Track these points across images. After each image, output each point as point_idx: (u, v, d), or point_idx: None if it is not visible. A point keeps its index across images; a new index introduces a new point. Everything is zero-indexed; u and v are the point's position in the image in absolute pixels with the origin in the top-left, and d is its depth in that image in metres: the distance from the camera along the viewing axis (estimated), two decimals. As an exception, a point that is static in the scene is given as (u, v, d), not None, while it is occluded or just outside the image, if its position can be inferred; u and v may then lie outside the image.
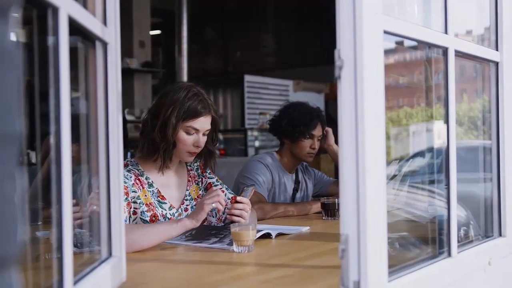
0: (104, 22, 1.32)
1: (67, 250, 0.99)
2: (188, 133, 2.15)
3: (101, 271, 1.24)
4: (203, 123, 2.17)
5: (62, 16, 0.98)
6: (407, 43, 1.52)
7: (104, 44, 1.31)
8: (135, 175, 2.13)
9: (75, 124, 1.06)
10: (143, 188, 2.14)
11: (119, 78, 1.37)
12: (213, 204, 1.95)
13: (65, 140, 0.99)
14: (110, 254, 1.34)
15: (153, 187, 2.18)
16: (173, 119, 2.11)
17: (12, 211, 0.54)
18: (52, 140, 0.99)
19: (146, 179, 2.18)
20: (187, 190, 2.30)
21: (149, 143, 2.16)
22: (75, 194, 1.05)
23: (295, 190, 3.06)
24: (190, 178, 2.33)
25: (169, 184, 2.25)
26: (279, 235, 2.13)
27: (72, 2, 1.04)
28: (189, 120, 2.14)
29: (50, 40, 0.99)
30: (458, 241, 1.51)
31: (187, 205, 2.28)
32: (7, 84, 0.53)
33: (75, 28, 1.08)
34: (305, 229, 2.30)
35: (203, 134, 2.19)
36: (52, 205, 1.01)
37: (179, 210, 2.24)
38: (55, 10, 0.97)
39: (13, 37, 0.56)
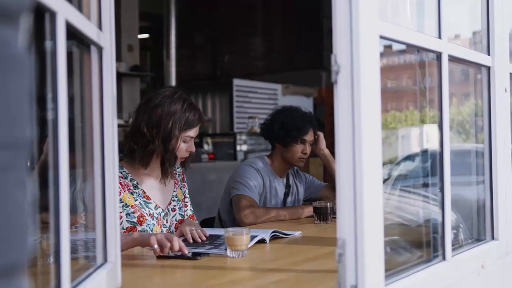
0: (100, 26, 1.31)
1: (64, 256, 0.98)
2: (185, 141, 2.24)
3: (96, 277, 1.23)
4: (197, 130, 2.28)
5: (60, 21, 0.98)
6: (395, 47, 1.52)
7: (100, 49, 1.31)
8: None
9: (69, 128, 1.05)
10: (124, 191, 2.18)
11: (114, 83, 1.36)
12: (155, 246, 1.77)
13: (62, 144, 0.98)
14: (105, 260, 1.33)
15: (139, 188, 2.23)
16: (176, 131, 2.19)
17: (22, 218, 0.54)
18: (49, 144, 0.98)
19: (130, 181, 2.23)
20: (174, 191, 2.37)
21: (149, 154, 2.20)
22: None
23: (286, 195, 3.06)
24: (176, 181, 2.41)
25: (155, 186, 2.30)
26: (274, 238, 2.13)
27: (70, 7, 1.04)
28: (188, 130, 2.23)
29: (48, 44, 0.98)
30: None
31: (174, 205, 2.34)
32: (18, 91, 0.52)
33: (71, 33, 1.08)
34: (298, 233, 2.30)
35: (194, 140, 2.29)
36: (47, 211, 1.00)
37: (166, 210, 2.29)
38: (53, 15, 0.96)
39: (23, 43, 0.56)
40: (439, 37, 1.49)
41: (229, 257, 1.81)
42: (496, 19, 1.77)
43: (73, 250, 1.28)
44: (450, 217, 1.50)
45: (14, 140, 0.53)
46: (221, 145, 7.41)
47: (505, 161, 1.81)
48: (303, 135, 2.91)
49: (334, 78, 1.16)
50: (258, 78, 8.24)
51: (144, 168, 2.24)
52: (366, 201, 1.13)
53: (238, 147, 7.17)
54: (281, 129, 2.92)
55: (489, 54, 1.78)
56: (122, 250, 1.82)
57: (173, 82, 8.51)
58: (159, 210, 2.26)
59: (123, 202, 2.14)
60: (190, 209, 2.45)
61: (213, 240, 2.08)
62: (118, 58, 7.33)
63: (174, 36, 8.39)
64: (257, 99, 7.92)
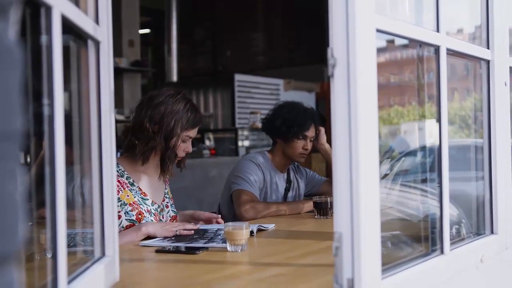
0: (96, 21, 1.31)
1: (61, 251, 0.98)
2: (184, 141, 2.27)
3: (94, 270, 1.23)
4: (196, 131, 2.31)
5: (55, 15, 0.97)
6: (398, 41, 1.52)
7: (97, 43, 1.31)
8: None
9: (66, 124, 1.06)
10: (124, 188, 2.19)
11: (112, 77, 1.36)
12: (177, 232, 2.09)
13: (58, 140, 0.98)
14: (103, 253, 1.33)
15: (135, 185, 2.25)
16: (178, 129, 2.21)
17: (13, 209, 0.54)
18: (45, 140, 0.98)
19: (126, 179, 2.25)
20: (166, 188, 2.41)
21: (150, 150, 2.22)
22: (66, 195, 1.04)
23: (287, 190, 3.06)
24: (166, 179, 2.44)
25: (149, 183, 2.32)
26: (259, 231, 2.18)
27: (65, 1, 1.04)
28: (189, 130, 2.26)
29: (43, 39, 0.98)
30: (450, 239, 1.52)
31: (167, 202, 2.39)
32: (9, 82, 0.53)
33: (67, 27, 1.08)
34: (272, 226, 2.32)
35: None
36: (45, 206, 1.01)
37: (161, 206, 2.34)
38: (48, 9, 0.96)
39: (13, 35, 0.56)
40: (437, 30, 1.49)
41: (229, 251, 1.81)
42: (495, 12, 1.76)
43: (72, 244, 1.29)
44: (448, 210, 1.50)
45: (4, 131, 0.53)
46: (222, 141, 7.42)
47: (504, 156, 1.81)
48: (304, 131, 2.91)
49: (330, 72, 1.16)
50: (259, 74, 8.23)
51: (142, 164, 2.25)
52: (362, 194, 1.13)
53: (240, 143, 7.17)
54: (283, 125, 2.91)
55: (488, 48, 1.77)
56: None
57: (174, 78, 8.51)
58: (155, 206, 2.30)
59: (121, 200, 2.16)
60: (173, 210, 2.45)
61: (203, 235, 2.08)
62: (119, 54, 7.34)
63: (175, 31, 8.39)
64: (259, 94, 7.91)
